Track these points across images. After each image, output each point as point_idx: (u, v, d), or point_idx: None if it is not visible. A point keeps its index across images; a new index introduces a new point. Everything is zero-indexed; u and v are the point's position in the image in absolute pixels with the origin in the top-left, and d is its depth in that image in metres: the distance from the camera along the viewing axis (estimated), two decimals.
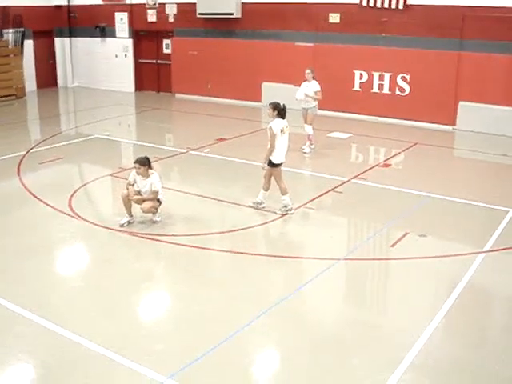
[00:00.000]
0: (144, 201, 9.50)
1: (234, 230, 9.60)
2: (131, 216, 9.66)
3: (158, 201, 9.62)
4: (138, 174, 9.47)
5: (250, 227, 9.71)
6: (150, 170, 9.51)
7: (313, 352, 6.37)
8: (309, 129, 14.06)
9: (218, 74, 20.91)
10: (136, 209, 9.68)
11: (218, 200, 10.89)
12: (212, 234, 9.50)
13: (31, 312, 7.01)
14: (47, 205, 10.57)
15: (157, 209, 9.66)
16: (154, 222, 9.69)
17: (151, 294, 7.76)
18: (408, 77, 17.45)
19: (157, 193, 9.51)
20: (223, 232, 9.61)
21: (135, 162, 9.46)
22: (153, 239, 9.18)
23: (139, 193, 9.53)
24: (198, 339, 6.54)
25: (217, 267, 8.59)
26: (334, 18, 18.29)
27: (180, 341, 6.58)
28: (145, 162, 9.45)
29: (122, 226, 9.55)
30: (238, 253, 8.74)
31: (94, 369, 6.02)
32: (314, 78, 13.95)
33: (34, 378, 6.00)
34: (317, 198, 11.10)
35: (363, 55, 18.05)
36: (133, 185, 9.56)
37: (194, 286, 7.84)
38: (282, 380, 5.98)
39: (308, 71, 14.00)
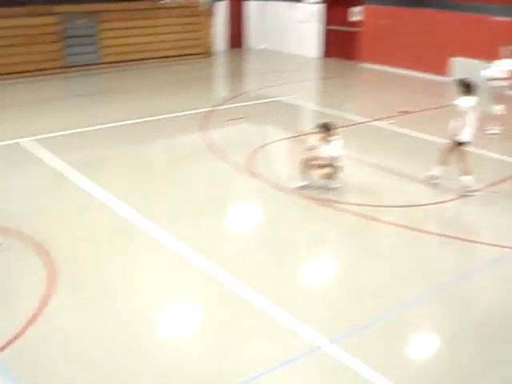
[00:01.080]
0: (323, 167, 9.50)
1: (408, 206, 9.36)
2: (307, 181, 9.71)
3: (336, 167, 9.58)
4: (320, 138, 9.48)
5: (424, 204, 9.42)
6: (331, 136, 9.48)
7: (478, 342, 6.09)
8: (498, 109, 13.30)
9: (407, 45, 20.30)
10: (313, 174, 9.72)
11: (395, 173, 10.66)
12: (385, 206, 9.32)
13: (205, 258, 7.37)
14: (227, 162, 10.93)
15: (333, 175, 9.64)
16: (330, 189, 9.69)
17: (319, 259, 7.83)
18: None
19: (337, 159, 9.47)
20: (397, 206, 9.39)
21: (318, 127, 9.48)
22: (326, 205, 9.20)
23: (318, 158, 9.54)
24: (362, 309, 6.53)
25: (386, 240, 8.46)
26: None
27: (344, 308, 6.59)
28: (328, 127, 9.44)
29: (297, 189, 9.64)
30: (409, 228, 8.51)
31: (255, 323, 6.19)
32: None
33: (194, 319, 6.31)
34: (501, 182, 10.49)
35: None
36: (313, 149, 9.59)
37: (362, 255, 7.80)
38: (444, 366, 5.79)
39: (506, 48, 13.19)
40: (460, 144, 9.63)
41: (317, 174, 9.62)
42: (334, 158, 9.47)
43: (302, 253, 7.87)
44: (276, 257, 7.69)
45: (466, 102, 9.53)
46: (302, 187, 9.68)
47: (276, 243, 8.08)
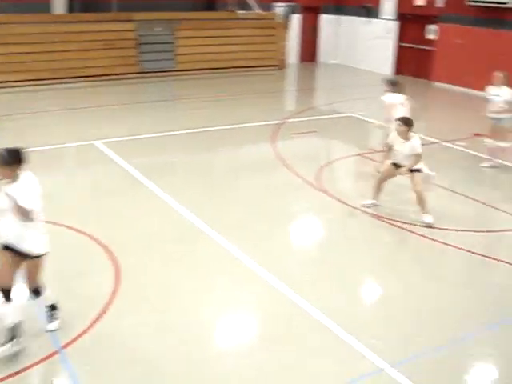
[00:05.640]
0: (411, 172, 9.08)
1: (487, 232, 9.05)
2: (376, 200, 9.53)
3: (419, 171, 9.16)
4: (398, 134, 9.05)
5: (504, 230, 9.11)
6: (410, 133, 9.06)
7: None
8: None
9: (483, 66, 19.84)
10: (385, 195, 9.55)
11: (473, 198, 10.28)
12: (460, 231, 8.94)
13: (267, 270, 7.38)
14: (295, 174, 10.87)
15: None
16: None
17: (382, 280, 7.61)
18: None
19: (419, 156, 9.01)
20: (475, 231, 9.01)
21: (398, 120, 9.13)
22: (393, 225, 9.01)
23: (399, 166, 9.14)
24: (424, 333, 6.34)
25: (453, 265, 8.21)
26: None
27: (405, 331, 6.38)
28: (408, 122, 9.05)
29: (365, 206, 9.48)
30: (482, 255, 8.22)
31: (317, 339, 6.11)
32: None
33: (253, 332, 6.28)
34: None
35: None
36: (390, 149, 9.27)
37: (426, 279, 7.55)
38: None
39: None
40: None
41: (414, 190, 9.17)
42: (416, 155, 8.98)
43: (368, 272, 7.72)
44: (340, 273, 7.54)
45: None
46: (371, 206, 9.52)
47: (342, 260, 7.94)
